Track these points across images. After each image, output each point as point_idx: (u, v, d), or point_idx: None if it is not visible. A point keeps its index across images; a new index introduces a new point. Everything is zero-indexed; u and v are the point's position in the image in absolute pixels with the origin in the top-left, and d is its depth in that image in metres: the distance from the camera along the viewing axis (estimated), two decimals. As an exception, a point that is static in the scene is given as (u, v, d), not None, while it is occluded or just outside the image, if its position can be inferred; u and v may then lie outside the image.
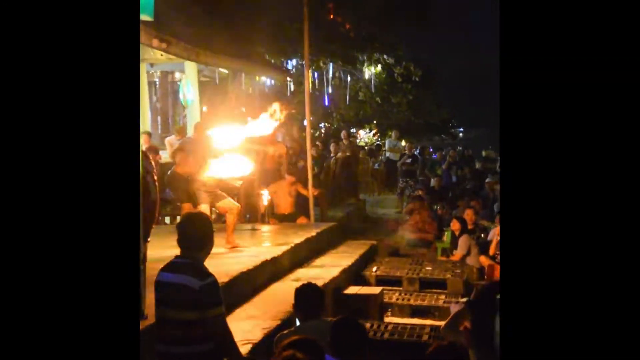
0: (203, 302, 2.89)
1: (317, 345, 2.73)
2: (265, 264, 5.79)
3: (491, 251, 7.53)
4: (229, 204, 6.23)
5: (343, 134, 13.95)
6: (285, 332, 3.44)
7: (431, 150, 18.34)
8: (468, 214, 8.46)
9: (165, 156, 9.69)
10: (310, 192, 8.62)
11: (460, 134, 31.73)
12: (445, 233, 8.77)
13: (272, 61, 14.65)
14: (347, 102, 17.53)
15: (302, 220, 8.63)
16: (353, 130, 18.53)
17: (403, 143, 15.22)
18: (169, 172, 7.23)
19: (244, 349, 3.61)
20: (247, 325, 4.44)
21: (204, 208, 5.96)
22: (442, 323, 5.10)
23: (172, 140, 9.56)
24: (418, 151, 16.00)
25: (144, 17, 3.69)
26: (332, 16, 15.00)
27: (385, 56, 16.43)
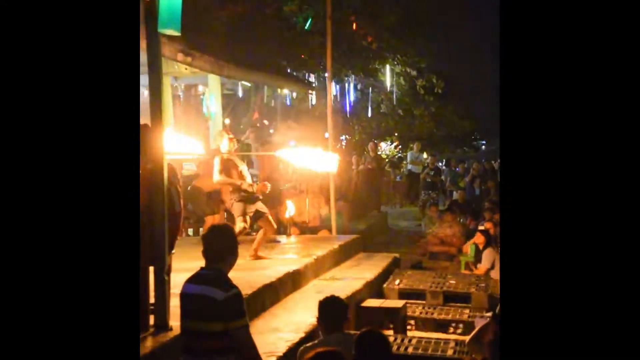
0: (227, 313, 2.90)
1: (341, 356, 2.72)
2: (288, 276, 5.79)
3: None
4: (267, 224, 6.21)
5: (370, 146, 13.91)
6: (308, 344, 3.43)
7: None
8: (487, 227, 8.37)
9: (187, 167, 9.79)
10: (332, 204, 8.62)
11: (483, 146, 31.47)
12: (469, 246, 8.69)
13: (295, 74, 14.73)
14: (369, 115, 17.52)
15: (324, 232, 8.62)
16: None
17: (425, 155, 15.15)
18: (188, 188, 7.27)
19: (267, 362, 3.61)
20: (270, 337, 4.43)
21: (241, 222, 5.91)
22: (466, 337, 5.04)
23: (196, 152, 9.63)
24: (443, 163, 15.89)
25: (170, 32, 3.74)
26: (354, 29, 15.04)
27: (407, 68, 16.40)
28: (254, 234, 6.72)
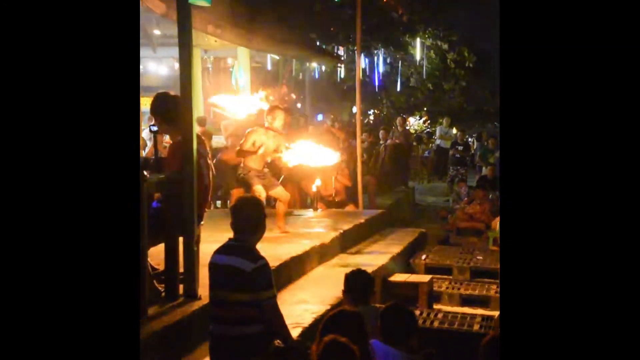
0: (255, 284, 2.95)
1: (361, 317, 2.76)
2: (314, 249, 5.83)
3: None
4: (280, 193, 6.25)
5: (398, 120, 13.79)
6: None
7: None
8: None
9: (217, 140, 9.86)
10: (359, 178, 8.60)
11: (514, 122, 30.90)
12: (498, 222, 8.60)
13: (324, 47, 14.62)
14: (398, 89, 17.34)
15: (350, 207, 8.63)
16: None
17: (454, 130, 14.97)
18: (214, 160, 7.32)
19: (293, 332, 3.65)
20: (296, 309, 4.49)
21: (259, 189, 5.98)
22: (494, 313, 5.03)
23: (227, 124, 9.70)
24: (475, 136, 15.58)
25: (201, 2, 3.74)
26: (384, 1, 14.82)
27: (438, 42, 16.12)
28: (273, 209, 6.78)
